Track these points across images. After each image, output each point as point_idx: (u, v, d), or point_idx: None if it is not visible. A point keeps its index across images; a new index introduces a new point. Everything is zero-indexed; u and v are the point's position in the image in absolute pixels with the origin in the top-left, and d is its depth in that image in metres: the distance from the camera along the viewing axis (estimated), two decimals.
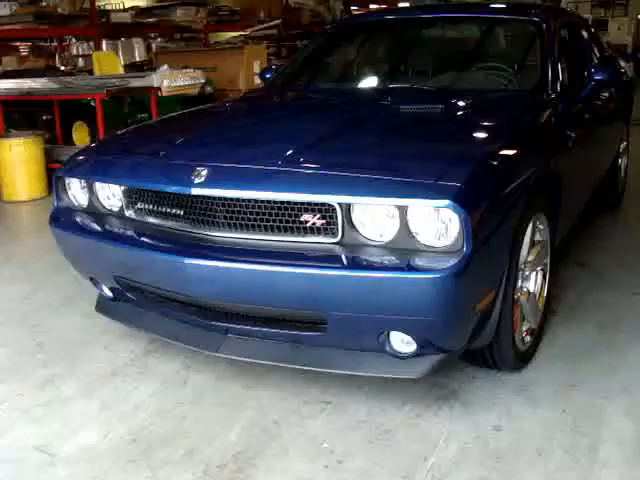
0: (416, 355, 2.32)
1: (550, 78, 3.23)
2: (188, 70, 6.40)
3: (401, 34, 3.98)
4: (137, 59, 10.47)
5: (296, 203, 2.29)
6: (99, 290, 2.94)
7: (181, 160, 2.51)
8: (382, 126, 2.75)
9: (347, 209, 2.24)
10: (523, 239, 2.55)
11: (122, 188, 2.64)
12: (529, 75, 3.30)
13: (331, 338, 2.35)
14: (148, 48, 10.98)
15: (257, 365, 2.79)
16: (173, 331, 2.68)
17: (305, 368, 2.50)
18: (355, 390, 2.66)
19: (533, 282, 2.77)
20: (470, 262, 2.11)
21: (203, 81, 6.51)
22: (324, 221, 2.28)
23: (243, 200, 2.35)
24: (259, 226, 2.36)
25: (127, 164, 2.67)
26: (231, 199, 2.35)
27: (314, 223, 2.29)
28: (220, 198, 2.36)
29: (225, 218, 2.39)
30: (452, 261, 2.10)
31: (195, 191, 2.36)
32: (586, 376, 2.71)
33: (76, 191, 2.82)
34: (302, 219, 2.30)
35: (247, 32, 11.93)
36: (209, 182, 2.35)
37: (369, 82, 3.68)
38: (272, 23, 12.40)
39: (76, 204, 2.85)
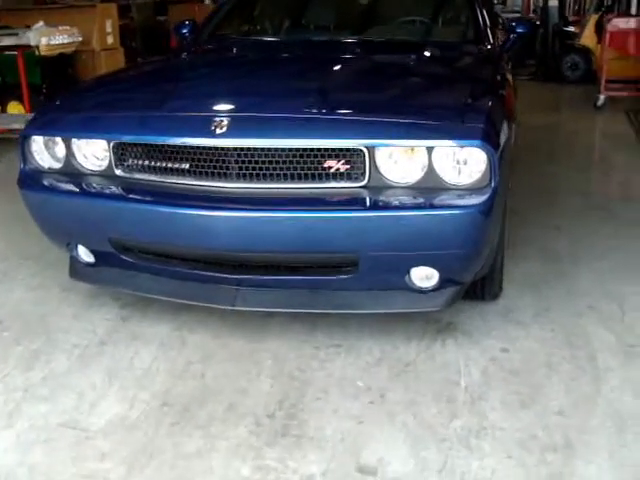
0: (435, 289, 2.47)
1: (484, 30, 3.48)
2: (65, 27, 5.91)
3: None
4: None
5: (319, 149, 2.31)
6: (76, 256, 2.74)
7: (196, 111, 2.41)
8: (375, 75, 2.82)
9: (372, 153, 2.30)
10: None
11: (112, 144, 2.47)
12: (466, 28, 3.53)
13: (359, 279, 2.41)
14: None
15: (248, 319, 2.79)
16: (178, 290, 2.60)
17: (331, 312, 2.56)
18: (357, 332, 2.75)
19: None
20: (496, 196, 2.28)
21: (80, 39, 6.06)
22: (348, 166, 2.33)
23: (263, 149, 2.32)
24: (278, 175, 2.35)
25: (125, 118, 2.50)
26: (253, 149, 2.31)
27: (338, 169, 2.33)
28: (241, 148, 2.31)
29: (241, 169, 2.35)
30: (483, 196, 2.26)
31: (218, 142, 2.29)
32: (553, 300, 3.01)
33: (49, 151, 2.59)
34: (326, 165, 2.33)
35: None
36: (232, 132, 2.29)
37: (316, 34, 3.66)
38: None
39: (45, 166, 2.62)
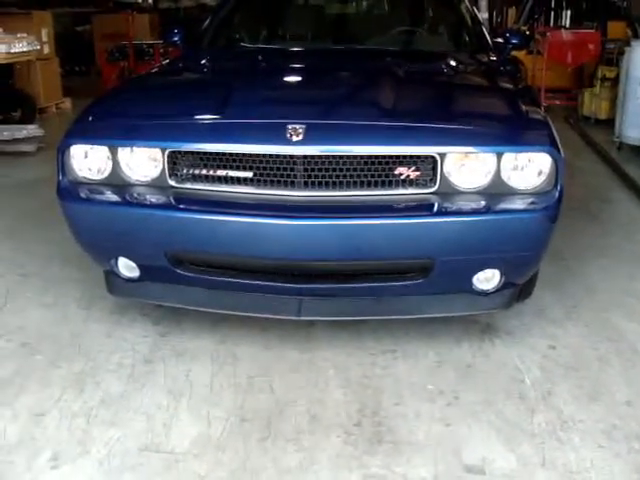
0: (496, 291, 2.53)
1: (488, 41, 3.61)
2: (22, 35, 5.59)
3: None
4: None
5: (392, 156, 2.32)
6: (116, 271, 2.60)
7: (267, 118, 2.35)
8: (428, 84, 2.88)
9: (443, 159, 2.33)
10: None
11: (167, 153, 2.38)
12: (475, 39, 3.66)
13: (429, 284, 2.43)
14: None
15: (292, 329, 2.76)
16: (236, 303, 2.54)
17: (396, 318, 2.57)
18: (405, 337, 2.77)
19: None
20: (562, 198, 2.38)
21: (39, 47, 5.75)
22: (418, 173, 2.35)
23: (334, 157, 2.31)
24: (348, 182, 2.34)
25: (185, 125, 2.40)
26: (324, 156, 2.29)
27: (408, 175, 2.35)
28: (311, 156, 2.29)
29: (310, 177, 2.33)
30: (552, 199, 2.34)
31: (294, 150, 2.26)
32: (576, 298, 3.13)
33: (91, 161, 2.46)
34: (397, 172, 2.34)
35: None
36: (308, 139, 2.26)
37: (349, 43, 3.62)
38: None
39: (86, 176, 2.49)
